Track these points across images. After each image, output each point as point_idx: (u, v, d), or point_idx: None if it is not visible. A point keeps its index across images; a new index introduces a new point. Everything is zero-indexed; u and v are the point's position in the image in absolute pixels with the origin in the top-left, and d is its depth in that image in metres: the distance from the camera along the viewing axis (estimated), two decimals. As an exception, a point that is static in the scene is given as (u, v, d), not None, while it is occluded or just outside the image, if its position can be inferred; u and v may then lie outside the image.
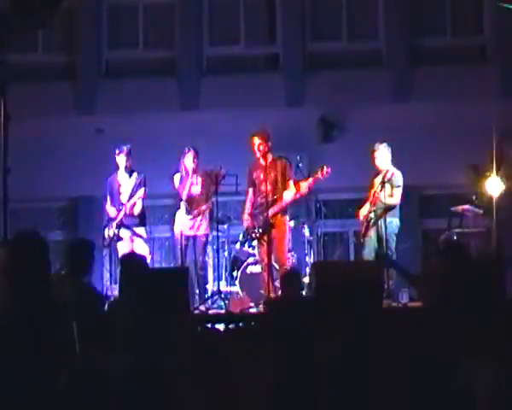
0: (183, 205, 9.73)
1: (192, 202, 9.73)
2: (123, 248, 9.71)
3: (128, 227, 9.68)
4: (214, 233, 10.02)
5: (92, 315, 6.30)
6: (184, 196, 9.72)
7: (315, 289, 8.24)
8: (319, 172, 9.30)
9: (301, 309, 6.24)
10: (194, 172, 9.77)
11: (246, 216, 9.61)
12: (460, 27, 13.21)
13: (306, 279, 9.87)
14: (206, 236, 9.87)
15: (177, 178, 9.85)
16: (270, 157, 9.42)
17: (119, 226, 9.68)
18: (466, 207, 10.72)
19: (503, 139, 10.35)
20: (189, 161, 9.76)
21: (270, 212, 9.30)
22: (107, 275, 12.50)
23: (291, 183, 9.42)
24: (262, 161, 9.41)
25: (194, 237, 9.73)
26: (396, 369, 5.90)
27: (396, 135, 10.67)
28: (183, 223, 9.68)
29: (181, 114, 12.80)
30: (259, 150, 9.36)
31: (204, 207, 9.70)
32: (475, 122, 11.49)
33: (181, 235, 9.63)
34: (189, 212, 9.66)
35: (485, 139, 10.02)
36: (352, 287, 7.81)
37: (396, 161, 9.88)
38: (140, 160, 9.94)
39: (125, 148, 9.78)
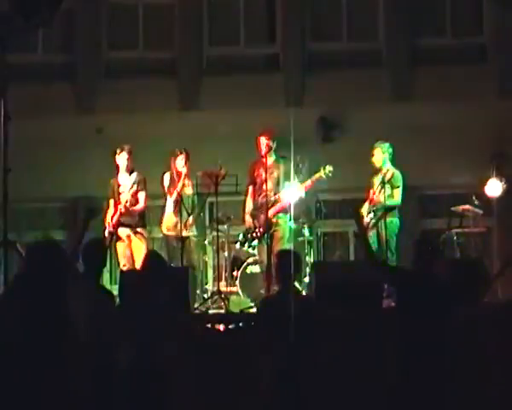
0: (171, 205, 9.73)
1: (181, 204, 9.68)
2: (122, 248, 9.70)
3: (128, 226, 9.66)
4: (214, 233, 10.00)
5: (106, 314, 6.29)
6: (174, 197, 9.71)
7: (315, 289, 8.25)
8: (321, 172, 9.35)
9: None
10: (186, 174, 9.75)
11: (247, 216, 9.60)
12: (460, 27, 13.19)
13: (306, 279, 9.87)
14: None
15: (166, 177, 9.85)
16: (273, 156, 9.44)
17: (117, 226, 9.67)
18: (466, 207, 10.72)
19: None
20: (180, 163, 9.75)
21: (272, 211, 9.30)
22: (107, 275, 12.53)
23: (291, 183, 9.44)
24: (265, 160, 9.46)
25: (186, 238, 9.66)
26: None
27: (396, 135, 10.66)
28: (171, 223, 9.69)
29: (181, 114, 12.79)
30: (267, 149, 9.43)
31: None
32: (475, 122, 11.49)
33: (169, 235, 9.66)
34: (179, 213, 9.63)
35: (485, 139, 10.01)
36: (351, 287, 7.83)
37: (396, 161, 9.87)
38: (140, 160, 9.92)
39: (126, 147, 9.76)
